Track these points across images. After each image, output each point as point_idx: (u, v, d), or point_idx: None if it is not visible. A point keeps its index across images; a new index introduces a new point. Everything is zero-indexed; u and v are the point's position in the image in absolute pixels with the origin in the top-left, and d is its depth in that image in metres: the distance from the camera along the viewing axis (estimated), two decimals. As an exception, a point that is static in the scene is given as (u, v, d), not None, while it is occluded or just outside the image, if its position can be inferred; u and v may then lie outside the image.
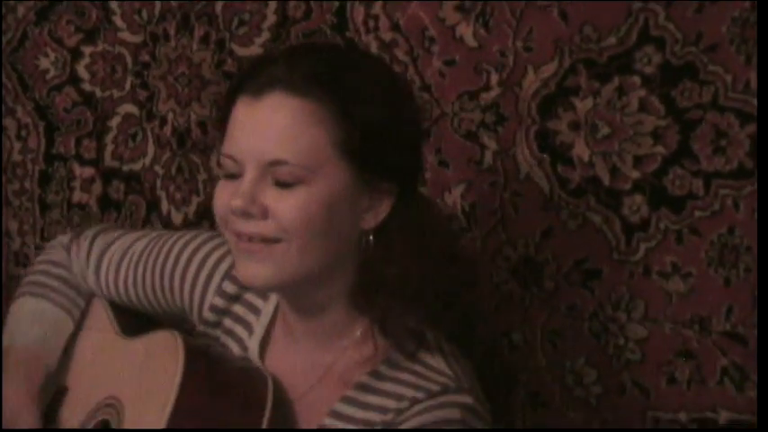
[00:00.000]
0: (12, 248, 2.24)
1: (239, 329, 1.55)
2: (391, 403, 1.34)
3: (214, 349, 1.56)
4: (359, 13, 1.84)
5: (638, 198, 1.67)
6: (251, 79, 1.34)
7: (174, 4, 1.91)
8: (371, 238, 1.36)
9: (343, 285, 1.38)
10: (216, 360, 1.54)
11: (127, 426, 1.51)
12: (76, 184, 2.15)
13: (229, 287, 1.53)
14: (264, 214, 1.28)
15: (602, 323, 1.75)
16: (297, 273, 1.33)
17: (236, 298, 1.54)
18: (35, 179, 2.19)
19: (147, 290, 1.63)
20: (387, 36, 1.83)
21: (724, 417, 1.65)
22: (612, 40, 1.68)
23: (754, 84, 1.49)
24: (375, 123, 1.32)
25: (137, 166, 2.09)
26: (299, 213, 1.28)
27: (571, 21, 1.71)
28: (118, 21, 2.09)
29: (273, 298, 1.51)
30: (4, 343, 1.66)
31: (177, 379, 1.40)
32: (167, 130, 2.06)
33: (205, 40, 1.98)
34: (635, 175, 1.68)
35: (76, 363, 1.70)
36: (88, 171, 2.14)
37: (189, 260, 1.58)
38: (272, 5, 1.81)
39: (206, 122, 2.01)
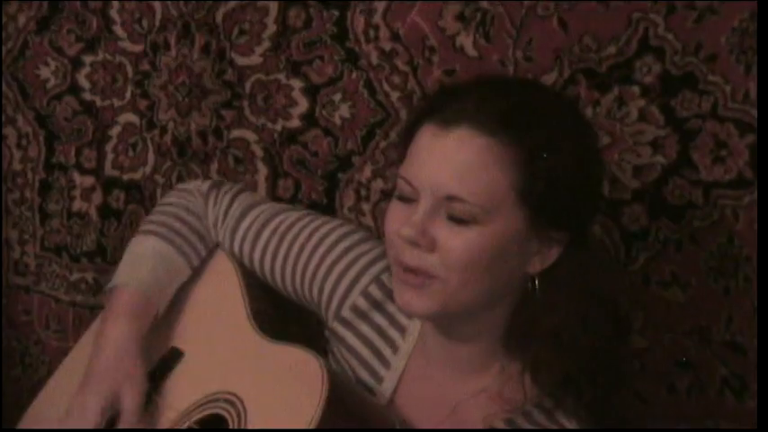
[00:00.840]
0: (12, 257, 2.22)
1: (379, 342, 1.54)
2: None
3: (350, 382, 1.56)
4: (359, 22, 1.85)
5: (638, 207, 1.66)
6: (441, 107, 1.34)
7: (174, 13, 1.90)
8: (537, 282, 1.36)
9: (496, 322, 1.38)
10: (353, 394, 1.53)
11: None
12: (77, 193, 2.14)
13: (376, 292, 1.53)
14: (432, 247, 1.29)
15: (602, 332, 1.76)
16: (454, 306, 1.33)
17: (378, 305, 1.53)
18: (35, 188, 2.18)
19: (287, 266, 1.61)
20: (387, 45, 1.83)
21: (723, 426, 1.63)
22: (612, 49, 1.67)
23: (753, 94, 1.48)
24: (559, 174, 1.30)
25: (137, 176, 2.08)
26: (468, 253, 1.29)
27: (571, 30, 1.70)
28: (118, 30, 2.10)
29: (415, 323, 1.50)
30: (118, 278, 1.63)
31: (321, 407, 1.38)
32: (168, 139, 2.05)
33: (206, 49, 1.98)
34: (634, 184, 1.67)
35: (195, 327, 1.69)
36: (88, 180, 2.14)
37: (344, 252, 1.56)
38: (273, 15, 1.80)
39: (206, 132, 1.99)
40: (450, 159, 1.28)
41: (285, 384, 1.47)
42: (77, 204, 2.16)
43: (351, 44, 1.86)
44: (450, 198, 1.26)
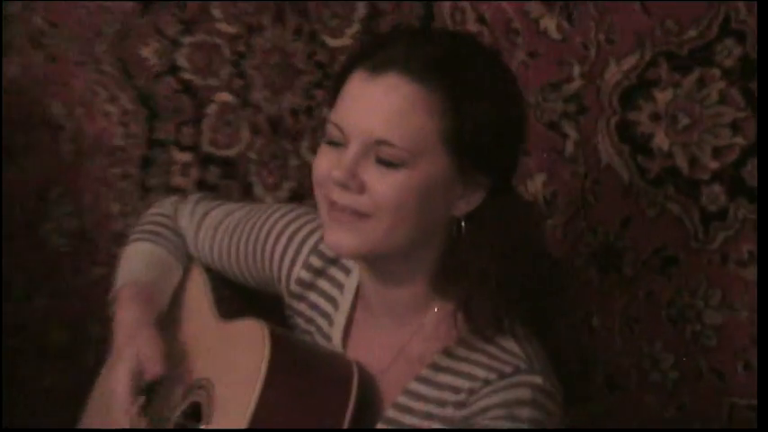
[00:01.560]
0: (115, 229, 2.28)
1: (324, 304, 1.61)
2: (464, 383, 1.40)
3: (299, 337, 1.65)
4: (446, 5, 1.89)
5: (717, 188, 1.76)
6: (369, 55, 1.39)
7: (269, -2, 2.03)
8: (463, 224, 1.42)
9: (425, 264, 1.44)
10: (300, 348, 1.62)
11: (216, 408, 1.59)
12: (176, 168, 2.20)
13: (316, 261, 1.61)
14: (362, 189, 1.34)
15: (680, 309, 1.79)
16: (383, 247, 1.38)
17: (321, 272, 1.61)
18: (137, 163, 2.24)
19: (240, 257, 1.70)
20: (473, 28, 1.86)
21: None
22: (693, 33, 1.75)
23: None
24: (484, 120, 1.36)
25: (232, 152, 2.16)
26: (396, 194, 1.34)
27: (653, 14, 1.78)
28: (216, 12, 2.12)
29: (355, 273, 1.56)
30: (120, 281, 1.74)
31: (264, 365, 1.47)
32: (261, 117, 2.12)
33: (298, 31, 2.04)
34: (714, 165, 1.77)
35: (174, 327, 1.79)
36: (187, 156, 2.21)
37: (280, 233, 1.64)
38: (363, -1, 1.91)
39: (298, 111, 2.07)
40: (379, 105, 1.34)
41: (239, 355, 1.57)
42: (176, 180, 2.20)
43: (438, 26, 1.93)
44: (380, 142, 1.32)
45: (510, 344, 1.42)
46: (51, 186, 2.36)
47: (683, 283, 1.82)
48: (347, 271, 1.60)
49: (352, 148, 1.34)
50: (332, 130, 1.39)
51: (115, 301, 1.69)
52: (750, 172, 1.71)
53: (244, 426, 1.47)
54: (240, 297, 1.79)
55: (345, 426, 1.49)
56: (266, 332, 1.50)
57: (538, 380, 1.37)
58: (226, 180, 2.13)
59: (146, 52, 2.17)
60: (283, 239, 1.65)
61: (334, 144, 1.38)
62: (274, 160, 2.12)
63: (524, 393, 1.36)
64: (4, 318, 2.47)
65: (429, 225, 1.41)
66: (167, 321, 1.77)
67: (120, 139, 2.23)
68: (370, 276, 1.51)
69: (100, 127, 2.26)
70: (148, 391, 1.71)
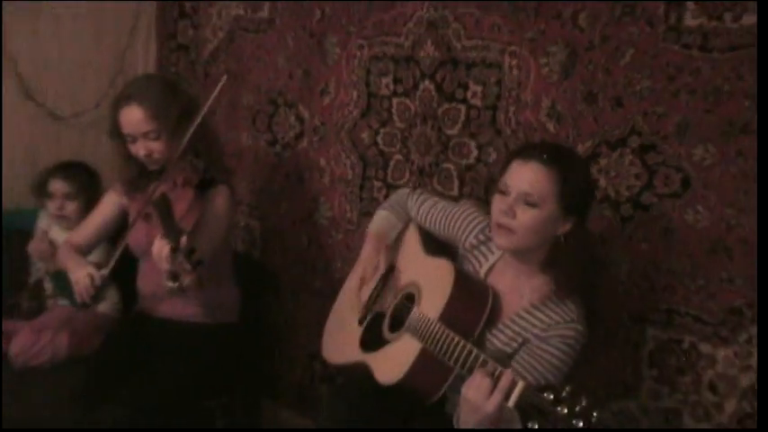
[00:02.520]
0: (347, 217, 2.91)
1: (480, 257, 2.14)
2: (546, 320, 1.96)
3: (467, 271, 2.13)
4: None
5: (627, 205, 2.27)
6: (521, 152, 1.97)
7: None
8: (562, 238, 1.96)
9: (539, 256, 2.00)
10: (468, 277, 2.09)
11: (422, 300, 2.08)
12: (374, 189, 2.90)
13: (481, 236, 2.15)
14: (513, 216, 1.92)
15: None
16: (522, 247, 1.96)
17: (482, 243, 2.15)
18: (357, 187, 2.92)
19: (442, 225, 2.24)
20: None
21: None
22: (617, 131, 2.27)
23: None
24: (576, 188, 1.93)
25: (401, 183, 2.78)
26: (531, 221, 1.91)
27: (600, 122, 2.29)
28: (395, 118, 2.79)
29: (499, 251, 2.10)
30: (369, 228, 2.34)
31: (451, 283, 2.01)
32: (414, 167, 2.76)
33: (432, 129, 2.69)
34: (626, 194, 2.27)
35: (402, 254, 2.30)
36: (380, 184, 2.88)
37: (468, 217, 2.19)
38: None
39: (429, 164, 2.67)
40: (527, 177, 1.91)
41: (438, 274, 2.08)
42: (375, 194, 2.87)
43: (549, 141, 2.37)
44: (525, 195, 1.90)
45: (571, 305, 1.97)
46: (319, 197, 3.06)
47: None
48: (495, 247, 2.10)
49: (512, 197, 1.91)
50: (502, 187, 1.95)
51: (367, 237, 2.32)
52: (644, 198, 2.21)
53: (439, 310, 1.97)
54: (432, 240, 2.29)
55: (483, 320, 1.97)
56: (453, 266, 2.06)
57: (580, 327, 1.95)
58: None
59: (362, 136, 2.88)
60: (470, 221, 2.18)
61: (502, 193, 1.95)
62: (420, 187, 2.66)
63: (570, 331, 1.94)
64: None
65: (544, 238, 1.96)
66: (394, 252, 2.31)
67: (350, 175, 2.96)
68: (510, 256, 2.04)
69: (341, 170, 2.97)
70: (377, 288, 2.27)
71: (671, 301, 2.23)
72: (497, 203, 1.95)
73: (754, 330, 2.09)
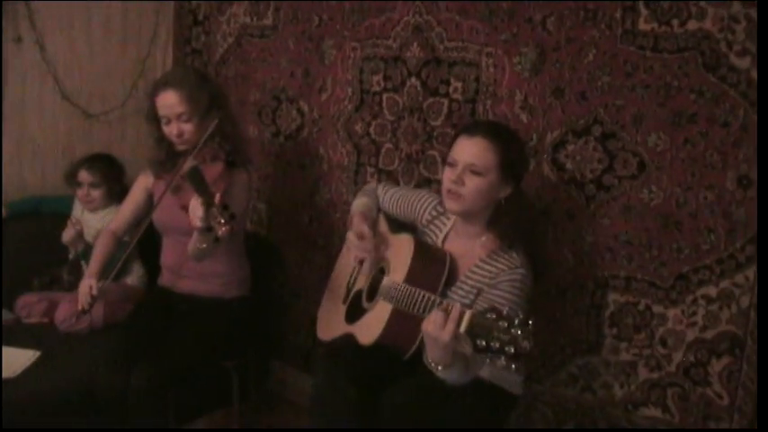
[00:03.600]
0: (343, 200, 2.92)
1: (436, 229, 2.21)
2: (495, 269, 2.02)
3: (426, 240, 2.19)
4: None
5: (592, 186, 2.30)
6: (466, 128, 2.04)
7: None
8: (502, 201, 2.04)
9: (484, 217, 2.07)
10: (426, 244, 2.16)
11: (391, 270, 2.15)
12: (368, 174, 2.90)
13: (434, 212, 2.23)
14: (462, 184, 1.98)
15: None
16: (470, 210, 2.02)
17: (436, 217, 2.23)
18: (353, 173, 2.92)
19: (402, 208, 2.32)
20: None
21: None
22: (582, 121, 2.30)
23: None
24: (514, 157, 2.00)
25: (391, 168, 2.79)
26: (477, 187, 1.98)
27: (567, 113, 2.32)
28: (385, 113, 2.80)
29: (451, 220, 2.16)
30: (352, 210, 2.34)
31: (411, 251, 2.09)
32: (403, 154, 2.77)
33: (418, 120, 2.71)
34: (590, 176, 2.31)
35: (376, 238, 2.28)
36: (372, 170, 2.88)
37: (422, 199, 2.26)
38: None
39: (417, 151, 2.68)
40: (472, 150, 1.96)
41: (401, 248, 2.15)
42: (368, 179, 2.88)
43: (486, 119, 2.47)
44: (471, 166, 1.96)
45: (514, 254, 2.04)
46: (319, 181, 3.07)
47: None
48: (448, 217, 2.19)
49: (459, 168, 1.98)
50: (451, 160, 2.01)
51: (352, 216, 2.32)
52: (605, 179, 2.24)
53: (404, 275, 2.03)
54: (397, 223, 2.35)
55: (443, 278, 2.03)
56: (412, 238, 2.14)
57: (523, 270, 2.01)
58: (388, 180, 2.77)
59: (356, 127, 2.90)
60: (423, 201, 2.26)
61: (450, 165, 2.02)
62: (408, 172, 2.75)
63: (517, 275, 2.00)
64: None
65: (488, 201, 2.02)
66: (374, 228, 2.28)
67: (346, 162, 2.97)
68: (460, 221, 2.11)
69: (337, 157, 2.98)
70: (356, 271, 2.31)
71: (629, 269, 2.27)
72: (447, 174, 2.00)
73: (699, 292, 2.15)
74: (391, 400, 1.96)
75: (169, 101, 2.44)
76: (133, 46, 3.43)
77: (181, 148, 2.50)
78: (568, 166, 2.33)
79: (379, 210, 2.38)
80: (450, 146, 2.06)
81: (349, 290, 2.31)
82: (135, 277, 2.96)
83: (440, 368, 1.81)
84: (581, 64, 2.26)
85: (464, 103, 2.56)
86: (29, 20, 3.05)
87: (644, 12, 2.14)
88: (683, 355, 2.18)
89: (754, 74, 1.96)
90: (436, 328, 1.72)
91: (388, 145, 2.82)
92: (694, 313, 2.15)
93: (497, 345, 1.56)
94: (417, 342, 1.98)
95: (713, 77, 2.04)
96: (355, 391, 1.99)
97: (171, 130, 2.47)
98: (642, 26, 2.15)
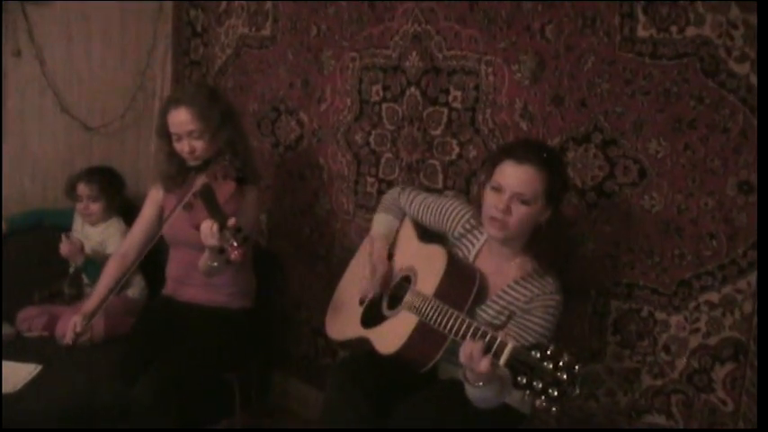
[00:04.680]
0: (344, 209, 2.90)
1: (468, 244, 2.15)
2: (528, 294, 2.00)
3: (457, 254, 2.13)
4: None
5: (592, 193, 2.28)
6: (513, 152, 1.95)
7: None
8: (543, 224, 2.00)
9: (524, 240, 2.03)
10: (458, 259, 2.11)
11: (418, 281, 2.10)
12: (368, 184, 2.90)
13: (466, 225, 2.16)
14: (509, 213, 1.93)
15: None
16: (512, 237, 1.99)
17: (468, 231, 2.16)
18: (352, 182, 2.89)
19: (432, 217, 2.24)
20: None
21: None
22: (582, 129, 2.29)
23: None
24: (558, 185, 1.97)
25: (391, 178, 2.77)
26: (524, 216, 1.94)
27: (566, 120, 2.30)
28: (387, 124, 2.80)
29: (484, 235, 2.09)
30: (372, 232, 2.31)
31: (443, 265, 2.04)
32: (403, 163, 2.75)
33: (418, 130, 2.69)
34: (590, 183, 2.28)
35: (399, 244, 2.31)
36: (372, 179, 2.84)
37: (454, 209, 2.19)
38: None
39: (417, 161, 2.66)
40: (520, 178, 1.93)
41: (431, 259, 2.10)
42: (368, 189, 2.86)
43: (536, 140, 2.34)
44: (518, 195, 1.92)
45: (549, 279, 2.01)
46: (319, 192, 3.06)
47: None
48: (481, 232, 2.12)
49: (506, 195, 1.93)
50: (495, 185, 1.94)
51: (372, 240, 2.28)
52: (606, 186, 2.23)
53: (434, 289, 1.98)
54: (427, 231, 2.29)
55: (472, 297, 1.97)
56: (445, 251, 2.08)
57: (558, 296, 1.98)
58: (388, 189, 2.54)
59: (356, 137, 2.89)
60: (456, 213, 2.18)
61: (496, 191, 1.95)
62: (409, 181, 2.73)
63: (552, 301, 1.97)
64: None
65: (531, 225, 2.00)
66: (393, 246, 2.30)
67: (346, 172, 2.97)
68: (497, 241, 2.05)
69: (338, 167, 2.98)
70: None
71: (631, 275, 2.25)
72: (491, 199, 1.95)
73: (701, 299, 2.14)
74: (403, 414, 1.95)
75: (180, 118, 2.44)
76: (132, 58, 3.45)
77: (192, 163, 2.51)
78: (569, 173, 2.30)
79: (402, 218, 2.35)
80: (491, 166, 2.02)
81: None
82: (136, 290, 2.97)
83: (480, 384, 1.78)
84: (580, 71, 2.26)
85: (464, 112, 2.55)
86: (28, 34, 3.07)
87: (642, 18, 2.14)
88: (686, 362, 2.16)
89: (754, 79, 1.96)
90: (471, 360, 1.70)
91: (388, 154, 2.81)
92: (697, 320, 2.14)
93: (540, 385, 1.53)
94: (437, 358, 1.96)
95: (712, 83, 2.04)
96: (368, 405, 1.98)
97: (182, 147, 2.48)
98: (641, 33, 2.15)
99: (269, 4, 3.11)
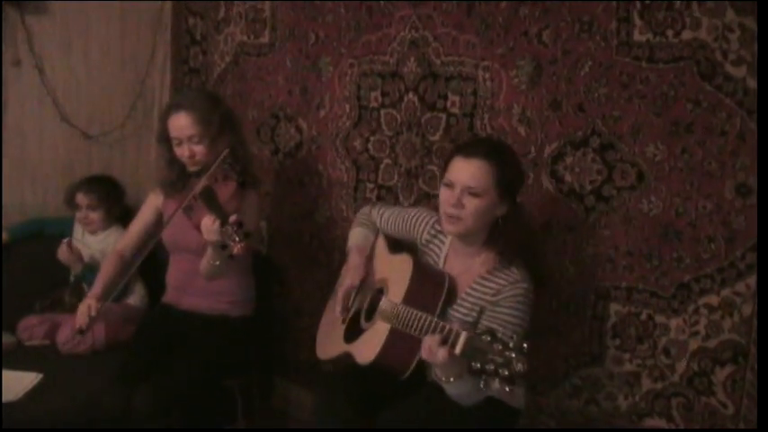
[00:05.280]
0: (341, 216, 2.90)
1: (435, 249, 2.19)
2: (495, 286, 2.01)
3: (424, 260, 2.18)
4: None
5: (591, 197, 2.30)
6: (462, 149, 2.01)
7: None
8: (499, 219, 2.04)
9: (482, 236, 2.06)
10: (424, 264, 2.16)
11: (389, 290, 2.13)
12: (368, 190, 2.89)
13: (432, 231, 2.21)
14: (461, 207, 1.97)
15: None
16: (468, 231, 2.01)
17: (434, 236, 2.21)
18: (352, 189, 2.92)
19: (400, 228, 2.29)
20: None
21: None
22: (579, 134, 2.30)
23: None
24: (510, 176, 1.99)
25: (390, 184, 2.79)
26: (476, 209, 1.97)
27: (565, 125, 2.31)
28: (384, 131, 2.81)
29: (449, 238, 2.13)
30: (349, 243, 2.34)
31: (409, 272, 2.09)
32: (402, 169, 2.75)
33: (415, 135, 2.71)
34: (589, 187, 2.31)
35: (375, 259, 2.33)
36: (372, 185, 2.87)
37: (419, 218, 2.24)
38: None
39: (416, 166, 2.67)
40: (470, 172, 1.95)
41: (399, 268, 2.13)
42: (368, 195, 2.87)
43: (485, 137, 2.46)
44: (469, 188, 1.95)
45: (514, 269, 2.02)
46: (318, 199, 3.06)
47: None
48: (446, 236, 2.16)
49: (457, 190, 1.97)
50: (447, 181, 2.00)
51: (349, 251, 2.32)
52: (604, 190, 2.24)
53: (402, 295, 2.01)
54: (397, 243, 2.33)
55: (442, 299, 2.00)
56: (410, 258, 2.14)
57: (525, 284, 1.99)
58: (387, 195, 2.82)
59: (355, 144, 2.91)
60: (421, 221, 2.24)
61: (448, 186, 2.00)
62: (408, 187, 2.75)
63: (520, 289, 1.99)
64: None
65: (486, 221, 2.02)
66: (369, 258, 2.32)
67: (345, 178, 2.97)
68: (458, 241, 2.10)
69: (337, 174, 2.99)
70: (357, 292, 2.26)
71: (630, 279, 2.26)
72: (445, 196, 1.99)
73: (701, 301, 2.14)
74: (389, 421, 1.97)
75: (181, 123, 2.46)
76: (131, 67, 3.46)
77: (192, 169, 2.52)
78: (567, 178, 2.33)
79: (377, 233, 2.37)
80: (445, 165, 2.06)
81: (348, 310, 2.28)
82: (137, 297, 2.97)
83: (451, 379, 1.80)
84: (577, 76, 2.26)
85: (462, 118, 2.56)
86: (28, 43, 3.09)
87: (639, 23, 2.15)
88: (686, 365, 2.17)
89: (750, 82, 1.97)
90: (430, 353, 1.73)
91: (387, 161, 2.82)
92: (696, 322, 2.14)
93: (492, 367, 1.56)
94: (414, 363, 1.97)
95: (709, 86, 2.05)
96: (353, 413, 2.00)
97: (182, 152, 2.49)
98: (637, 37, 2.16)
99: (267, 12, 3.13)
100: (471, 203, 1.94)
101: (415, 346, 1.87)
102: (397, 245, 2.31)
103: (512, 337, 1.58)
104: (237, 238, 2.03)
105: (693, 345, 2.15)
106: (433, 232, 2.18)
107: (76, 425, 2.33)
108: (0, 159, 3.09)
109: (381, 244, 2.33)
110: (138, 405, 2.26)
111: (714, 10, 2.01)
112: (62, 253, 2.82)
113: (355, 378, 2.07)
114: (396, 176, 2.80)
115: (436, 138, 2.65)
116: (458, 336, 1.68)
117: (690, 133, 2.09)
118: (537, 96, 2.36)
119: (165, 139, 2.54)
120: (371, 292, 2.21)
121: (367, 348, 2.04)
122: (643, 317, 2.25)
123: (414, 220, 2.24)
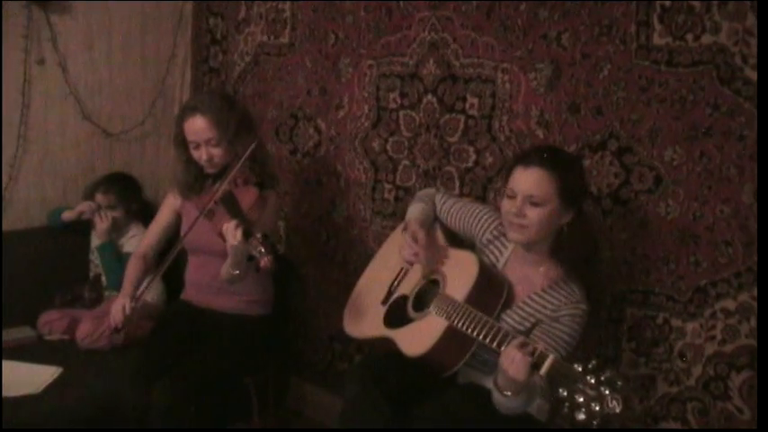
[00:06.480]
0: (359, 215, 2.92)
1: (495, 251, 2.16)
2: (554, 302, 2.00)
3: (487, 261, 2.14)
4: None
5: (608, 200, 2.29)
6: (523, 158, 1.99)
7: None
8: (564, 227, 2.00)
9: (546, 245, 2.03)
10: (489, 268, 2.11)
11: (447, 285, 2.09)
12: (385, 191, 2.91)
13: (495, 232, 2.17)
14: (524, 216, 1.95)
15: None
16: (532, 239, 1.99)
17: (496, 238, 2.18)
18: (370, 189, 2.93)
19: (462, 222, 2.25)
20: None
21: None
22: (598, 137, 2.30)
23: None
24: (573, 184, 1.97)
25: (408, 185, 2.79)
26: (539, 218, 1.95)
27: (583, 128, 2.31)
28: (404, 132, 2.82)
29: (512, 243, 2.11)
30: (408, 216, 2.26)
31: (476, 273, 2.05)
32: (420, 170, 2.75)
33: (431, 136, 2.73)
34: (606, 190, 2.29)
35: (428, 246, 2.21)
36: (390, 186, 2.87)
37: (483, 215, 2.20)
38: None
39: (434, 167, 2.67)
40: (530, 181, 1.95)
41: (462, 265, 2.11)
42: (386, 195, 2.87)
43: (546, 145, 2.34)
44: (530, 197, 1.94)
45: (575, 288, 2.02)
46: (336, 198, 3.08)
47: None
48: (508, 241, 2.11)
49: (519, 199, 1.95)
50: (509, 191, 1.99)
51: (409, 223, 2.22)
52: (622, 193, 2.25)
53: (465, 294, 1.99)
54: (455, 237, 2.31)
55: (500, 305, 1.99)
56: (477, 258, 2.09)
57: (584, 306, 1.99)
58: (405, 196, 2.79)
59: (373, 144, 2.93)
60: (485, 219, 2.20)
61: (510, 197, 1.99)
62: (424, 187, 2.71)
63: (578, 310, 1.98)
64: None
65: (550, 228, 1.99)
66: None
67: (363, 179, 2.99)
68: (521, 248, 2.08)
69: (355, 174, 3.01)
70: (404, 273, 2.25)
71: (646, 282, 2.26)
72: (507, 206, 1.98)
73: (717, 306, 2.15)
74: (425, 416, 1.96)
75: (197, 126, 2.46)
76: (152, 66, 3.50)
77: (210, 171, 2.53)
78: (587, 177, 2.29)
79: (435, 218, 2.34)
80: (506, 175, 2.05)
81: (391, 291, 2.26)
82: (154, 294, 2.99)
83: (507, 393, 1.81)
84: (596, 79, 2.27)
85: (480, 120, 2.57)
86: (52, 43, 3.13)
87: (658, 26, 2.16)
88: (702, 369, 2.17)
89: (770, 86, 1.98)
90: (516, 368, 1.71)
91: (405, 161, 2.83)
92: (713, 327, 2.14)
93: (581, 399, 1.54)
94: (462, 362, 1.97)
95: (728, 91, 2.05)
96: (389, 407, 1.98)
97: (200, 155, 2.49)
98: (657, 41, 2.16)
99: (287, 13, 3.15)
100: (533, 213, 1.94)
101: (467, 346, 1.88)
102: (455, 238, 2.29)
103: (605, 371, 1.55)
104: (263, 250, 2.03)
105: (710, 349, 2.15)
106: (495, 233, 2.16)
107: (96, 419, 2.37)
108: (14, 155, 3.11)
109: (440, 234, 2.31)
110: (157, 400, 2.27)
111: (734, 14, 2.02)
112: (87, 207, 2.92)
113: (391, 370, 2.05)
114: (414, 177, 2.81)
115: (454, 139, 2.66)
116: (543, 357, 1.67)
117: (708, 137, 2.09)
118: (555, 99, 2.37)
119: (182, 142, 2.54)
120: (420, 282, 2.19)
121: (417, 340, 2.02)
122: (659, 320, 2.24)
123: (479, 216, 2.21)
